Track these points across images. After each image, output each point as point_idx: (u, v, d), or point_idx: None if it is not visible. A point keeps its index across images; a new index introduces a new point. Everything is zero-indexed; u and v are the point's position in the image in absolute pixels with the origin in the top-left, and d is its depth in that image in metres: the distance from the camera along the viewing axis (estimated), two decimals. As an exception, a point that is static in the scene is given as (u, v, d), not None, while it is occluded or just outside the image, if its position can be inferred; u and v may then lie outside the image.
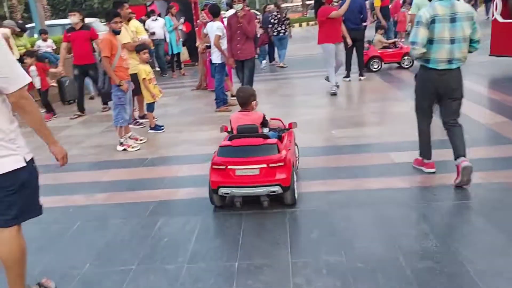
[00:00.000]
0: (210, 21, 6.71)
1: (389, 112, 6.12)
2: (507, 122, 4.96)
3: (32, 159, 2.18)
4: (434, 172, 3.66)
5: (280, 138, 3.45)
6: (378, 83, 8.15)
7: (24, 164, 2.09)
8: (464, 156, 3.33)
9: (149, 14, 11.54)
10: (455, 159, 3.37)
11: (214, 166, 3.23)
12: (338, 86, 7.46)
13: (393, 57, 9.29)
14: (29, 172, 2.13)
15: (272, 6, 11.62)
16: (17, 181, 2.07)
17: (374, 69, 9.08)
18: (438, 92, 3.38)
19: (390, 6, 16.93)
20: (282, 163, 3.13)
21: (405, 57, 9.11)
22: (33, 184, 2.19)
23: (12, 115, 2.09)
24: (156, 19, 10.99)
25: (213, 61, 6.83)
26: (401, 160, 4.09)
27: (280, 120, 3.97)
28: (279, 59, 11.41)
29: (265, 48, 11.67)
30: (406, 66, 9.16)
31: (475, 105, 5.76)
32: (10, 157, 2.04)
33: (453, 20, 3.20)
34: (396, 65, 9.36)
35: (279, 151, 3.20)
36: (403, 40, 14.06)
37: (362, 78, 8.41)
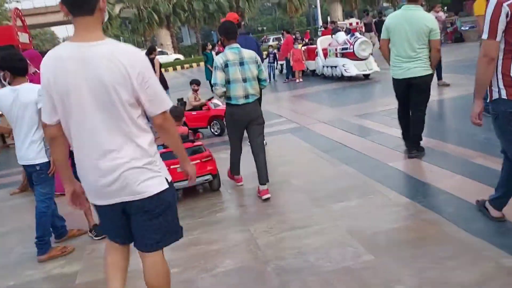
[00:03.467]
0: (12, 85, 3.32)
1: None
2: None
3: (171, 180, 2.09)
4: (242, 185, 4.45)
5: None
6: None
7: (167, 186, 2.03)
8: (265, 184, 4.01)
9: None
10: (259, 183, 4.05)
11: None
12: None
13: (198, 121, 7.12)
14: (171, 193, 2.08)
15: None
16: (162, 203, 2.00)
17: None
18: (243, 122, 3.99)
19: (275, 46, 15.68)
20: (210, 158, 4.30)
21: (216, 121, 7.01)
22: (174, 206, 2.12)
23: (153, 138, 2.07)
24: None
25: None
26: None
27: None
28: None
29: None
30: (215, 133, 7.06)
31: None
32: (155, 179, 1.97)
33: (241, 63, 3.86)
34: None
35: (205, 150, 4.39)
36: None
37: None
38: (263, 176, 3.99)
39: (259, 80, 3.99)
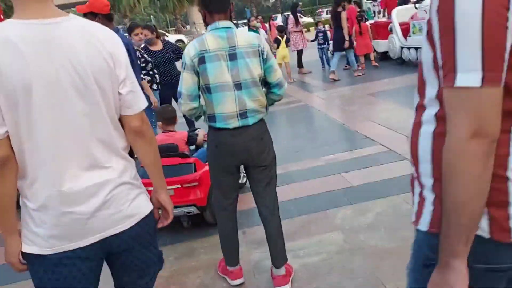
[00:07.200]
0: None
1: None
2: None
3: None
4: (243, 283, 2.52)
5: None
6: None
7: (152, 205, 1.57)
8: (279, 267, 2.44)
9: None
10: (273, 265, 2.51)
11: None
12: None
13: None
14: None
15: None
16: (152, 225, 1.51)
17: None
18: (237, 160, 2.36)
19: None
20: (196, 183, 3.07)
21: None
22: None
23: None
24: None
25: None
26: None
27: None
28: None
29: None
30: None
31: None
32: (142, 195, 1.48)
33: (232, 56, 2.19)
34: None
35: (195, 170, 3.12)
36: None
37: None
38: (278, 254, 2.44)
39: (269, 85, 2.32)
